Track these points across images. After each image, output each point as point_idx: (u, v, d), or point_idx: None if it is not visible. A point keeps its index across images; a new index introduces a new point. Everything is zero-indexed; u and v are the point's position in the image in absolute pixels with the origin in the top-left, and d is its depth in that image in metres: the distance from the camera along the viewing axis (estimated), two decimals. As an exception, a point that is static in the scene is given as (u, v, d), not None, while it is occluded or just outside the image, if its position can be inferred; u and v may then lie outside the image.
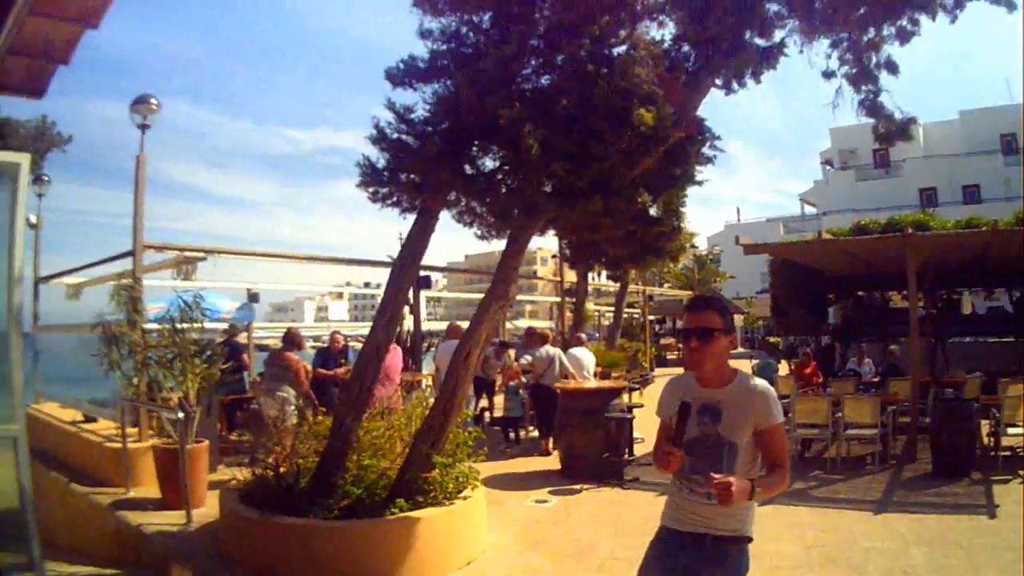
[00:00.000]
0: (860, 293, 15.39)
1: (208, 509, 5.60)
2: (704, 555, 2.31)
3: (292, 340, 7.33)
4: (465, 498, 4.73)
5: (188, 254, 7.00)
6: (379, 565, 4.33)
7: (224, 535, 4.95)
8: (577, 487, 6.87)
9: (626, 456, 7.49)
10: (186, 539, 5.18)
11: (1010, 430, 7.31)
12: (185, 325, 6.03)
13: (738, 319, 40.09)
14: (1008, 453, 7.45)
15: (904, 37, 5.69)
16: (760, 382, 2.40)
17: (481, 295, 4.55)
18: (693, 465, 2.33)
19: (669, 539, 2.40)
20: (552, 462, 7.94)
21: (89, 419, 7.75)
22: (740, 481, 2.17)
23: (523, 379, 9.52)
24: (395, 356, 7.10)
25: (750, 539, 2.35)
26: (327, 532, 4.36)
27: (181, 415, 5.52)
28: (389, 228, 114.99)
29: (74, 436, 7.41)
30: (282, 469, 4.75)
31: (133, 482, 6.28)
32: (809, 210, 43.06)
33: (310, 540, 4.39)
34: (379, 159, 4.53)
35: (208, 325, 6.79)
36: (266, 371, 7.50)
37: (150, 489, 6.17)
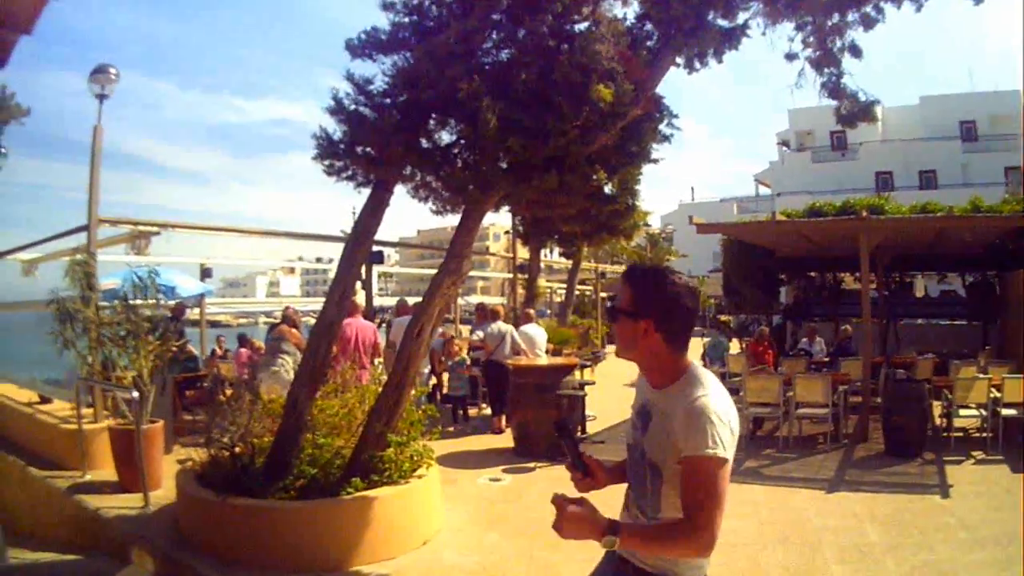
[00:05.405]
0: (812, 274, 15.36)
1: (165, 491, 5.52)
2: None
3: (289, 319, 7.45)
4: (420, 477, 4.69)
5: (142, 228, 6.84)
6: (336, 545, 4.30)
7: (182, 517, 4.90)
8: (531, 465, 6.84)
9: (579, 433, 7.41)
10: (145, 522, 5.12)
11: (962, 411, 7.39)
12: (139, 301, 5.88)
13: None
14: (960, 434, 7.54)
15: (868, 23, 5.72)
16: (698, 395, 1.72)
17: (434, 271, 4.50)
18: (630, 479, 1.91)
19: (608, 556, 1.95)
20: (505, 440, 7.88)
21: (44, 400, 7.60)
22: (583, 509, 1.61)
23: (466, 356, 9.37)
24: (371, 331, 7.22)
25: None
26: (283, 512, 4.32)
27: (136, 394, 5.41)
28: (342, 202, 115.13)
29: (30, 418, 7.25)
30: (237, 449, 4.68)
31: (90, 464, 6.17)
32: (763, 191, 42.85)
33: (266, 521, 4.35)
34: (336, 131, 4.44)
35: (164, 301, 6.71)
36: (266, 348, 7.63)
37: (107, 471, 6.06)
